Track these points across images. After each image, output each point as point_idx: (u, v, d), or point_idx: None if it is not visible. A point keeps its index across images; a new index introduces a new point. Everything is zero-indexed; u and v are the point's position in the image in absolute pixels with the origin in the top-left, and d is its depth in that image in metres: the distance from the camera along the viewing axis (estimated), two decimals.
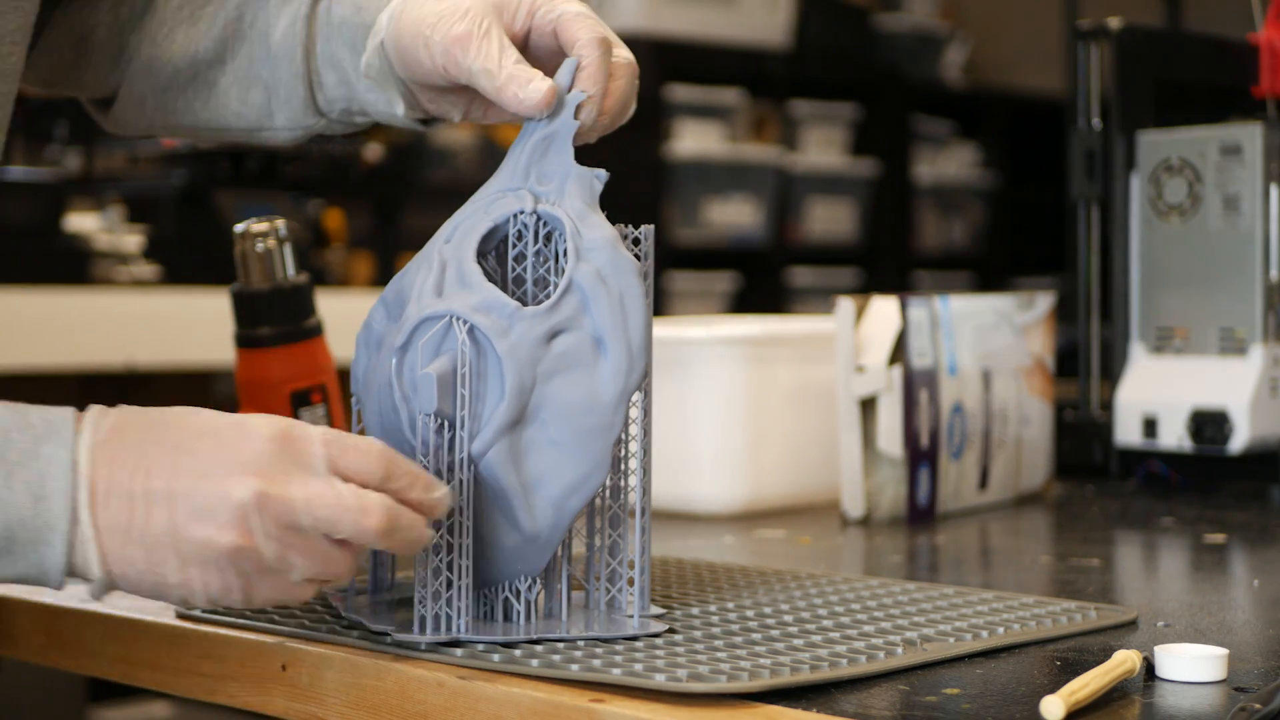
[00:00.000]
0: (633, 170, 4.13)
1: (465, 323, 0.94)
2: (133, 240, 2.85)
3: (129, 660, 1.07)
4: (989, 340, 1.55)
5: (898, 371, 1.47)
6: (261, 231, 1.29)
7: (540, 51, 1.02)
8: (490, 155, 4.21)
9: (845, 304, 1.47)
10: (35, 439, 0.86)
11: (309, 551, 0.87)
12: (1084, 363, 1.77)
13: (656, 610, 1.02)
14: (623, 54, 1.01)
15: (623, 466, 1.00)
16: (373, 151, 3.42)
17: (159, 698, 3.02)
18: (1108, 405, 1.72)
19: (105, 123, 1.21)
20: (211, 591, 0.88)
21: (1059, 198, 2.08)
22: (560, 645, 0.93)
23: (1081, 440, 1.74)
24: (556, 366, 0.94)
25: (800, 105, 4.91)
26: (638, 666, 0.87)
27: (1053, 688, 0.81)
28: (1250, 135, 1.64)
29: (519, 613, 0.97)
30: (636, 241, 1.00)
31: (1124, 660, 0.85)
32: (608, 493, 1.01)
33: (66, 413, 0.88)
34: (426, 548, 0.92)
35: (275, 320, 1.29)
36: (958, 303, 1.53)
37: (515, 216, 0.98)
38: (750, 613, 1.02)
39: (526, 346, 0.94)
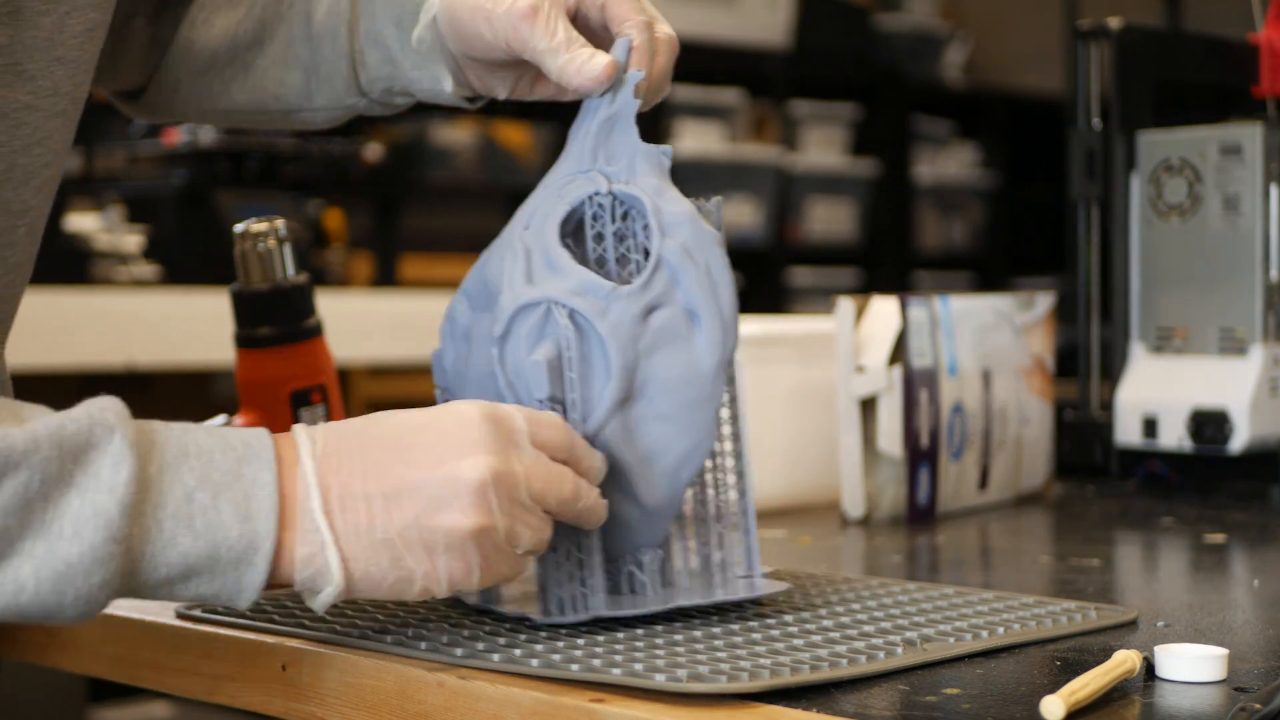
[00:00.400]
0: None
1: (565, 307, 0.96)
2: (133, 240, 2.85)
3: (129, 660, 1.07)
4: (989, 340, 1.55)
5: (898, 371, 1.47)
6: (261, 231, 1.29)
7: (583, 27, 1.04)
8: (491, 155, 4.21)
9: (845, 304, 1.47)
10: (237, 460, 0.87)
11: (531, 524, 0.91)
12: (1084, 363, 1.77)
13: (768, 569, 1.05)
14: (664, 29, 1.04)
15: (731, 432, 1.03)
16: (373, 151, 3.42)
17: (159, 698, 3.02)
18: (1108, 405, 1.72)
19: (133, 110, 1.21)
20: (455, 577, 0.90)
21: (1059, 198, 2.08)
22: (560, 645, 0.93)
23: (1081, 440, 1.74)
24: (656, 342, 0.97)
25: (800, 105, 4.91)
26: (638, 666, 0.87)
27: (1053, 688, 0.81)
28: (1250, 135, 1.64)
29: (644, 584, 1.00)
30: (707, 214, 1.02)
31: (1124, 660, 0.85)
32: (715, 460, 1.03)
33: (262, 433, 0.89)
34: (558, 530, 0.95)
35: (275, 320, 1.29)
36: (958, 303, 1.53)
37: (591, 198, 1.00)
38: (750, 612, 1.02)
39: (626, 325, 0.96)
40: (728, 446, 1.03)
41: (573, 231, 1.00)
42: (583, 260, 1.00)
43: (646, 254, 0.99)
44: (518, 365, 0.97)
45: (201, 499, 0.86)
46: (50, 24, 0.97)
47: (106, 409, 0.86)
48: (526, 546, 0.91)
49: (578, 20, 1.03)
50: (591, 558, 0.97)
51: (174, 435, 0.87)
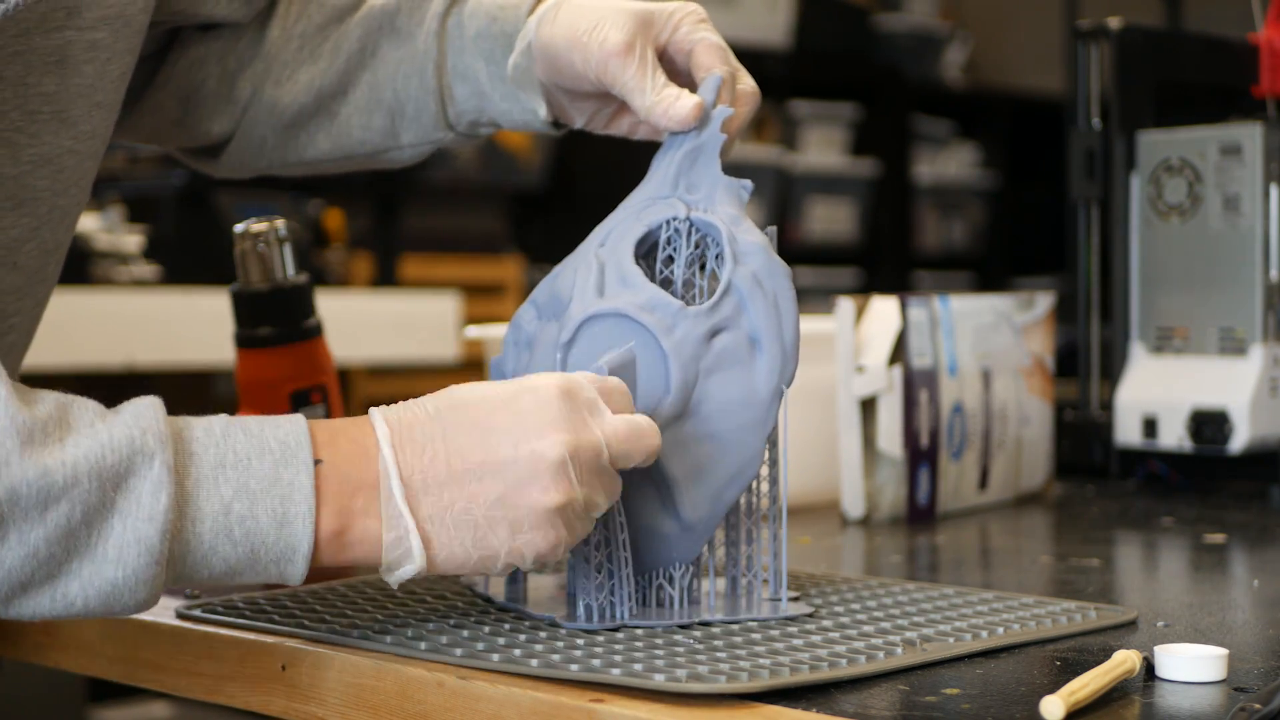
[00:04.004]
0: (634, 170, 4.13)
1: (633, 320, 0.98)
2: (133, 240, 2.85)
3: (129, 660, 1.07)
4: (989, 340, 1.55)
5: (898, 371, 1.47)
6: (261, 231, 1.29)
7: (668, 69, 1.08)
8: (491, 155, 4.21)
9: (845, 304, 1.47)
10: (275, 463, 0.89)
11: (607, 486, 0.93)
12: (1084, 363, 1.77)
13: (793, 594, 1.07)
14: (747, 83, 1.08)
15: (768, 458, 1.04)
16: None
17: (159, 698, 3.01)
18: (1108, 405, 1.72)
19: (212, 169, 1.24)
20: (540, 550, 0.92)
21: (1059, 198, 2.08)
22: (560, 645, 0.93)
23: (1081, 440, 1.74)
24: (717, 364, 0.99)
25: (800, 105, 4.91)
26: (637, 667, 0.87)
27: (1053, 688, 0.81)
28: (1250, 135, 1.64)
29: (672, 598, 1.01)
30: None
31: (1124, 660, 0.85)
32: (751, 484, 1.04)
33: (300, 430, 0.90)
34: (589, 539, 0.97)
35: (275, 320, 1.29)
36: (958, 303, 1.53)
37: (668, 222, 1.03)
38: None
39: (690, 344, 0.99)
40: (764, 471, 1.04)
41: (645, 254, 1.03)
42: (650, 280, 1.02)
43: (712, 282, 1.02)
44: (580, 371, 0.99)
45: (239, 509, 0.88)
46: (93, 71, 1.00)
47: (148, 430, 0.87)
48: (602, 509, 0.93)
49: (663, 61, 1.08)
50: (621, 569, 0.99)
51: (212, 443, 0.89)
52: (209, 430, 0.89)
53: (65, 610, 0.87)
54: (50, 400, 0.87)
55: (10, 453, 0.83)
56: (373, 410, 0.94)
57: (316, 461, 0.90)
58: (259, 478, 0.89)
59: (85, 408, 0.88)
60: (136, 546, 0.86)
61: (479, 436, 0.91)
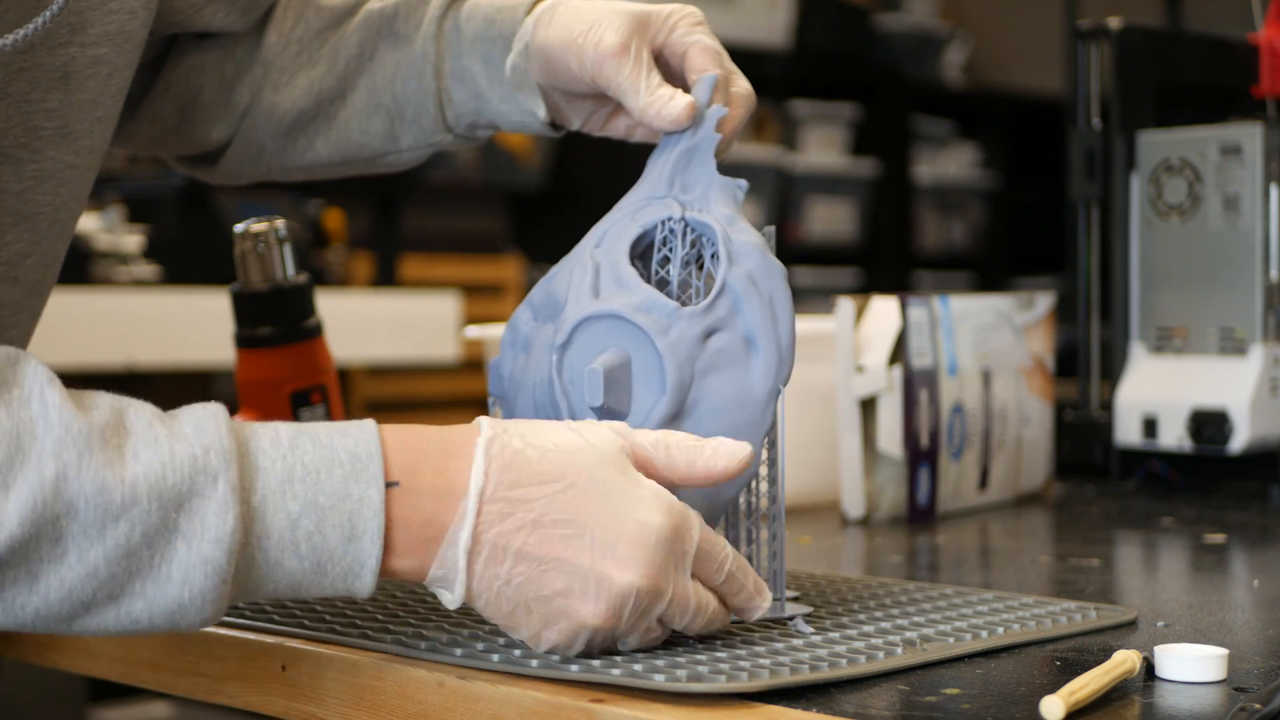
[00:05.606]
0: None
1: (628, 321, 0.98)
2: (133, 240, 2.85)
3: (129, 660, 1.07)
4: (989, 340, 1.55)
5: (898, 371, 1.47)
6: (261, 231, 1.29)
7: (663, 71, 1.08)
8: (491, 155, 4.21)
9: (845, 304, 1.47)
10: (344, 478, 0.87)
11: (643, 631, 0.90)
12: (1084, 363, 1.77)
13: (792, 594, 1.06)
14: (741, 86, 1.08)
15: (765, 458, 1.04)
16: None
17: (159, 698, 3.02)
18: (1108, 405, 1.72)
19: (209, 176, 1.24)
20: (556, 649, 0.90)
21: (1059, 198, 2.08)
22: None
23: (1081, 440, 1.74)
24: (712, 364, 0.99)
25: (800, 105, 4.91)
26: (637, 667, 0.87)
27: (1053, 688, 0.81)
28: (1250, 135, 1.64)
29: None
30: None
31: (1124, 660, 0.85)
32: (750, 484, 1.04)
33: (371, 441, 0.88)
34: None
35: (275, 320, 1.29)
36: (958, 303, 1.53)
37: (663, 223, 1.03)
38: None
39: (685, 344, 0.98)
40: (763, 471, 1.04)
41: (641, 254, 1.03)
42: (646, 281, 1.02)
43: (709, 281, 1.02)
44: (575, 374, 0.99)
45: (306, 525, 0.86)
46: (96, 86, 1.00)
47: (210, 449, 0.85)
48: (631, 647, 0.91)
49: (659, 63, 1.08)
50: None
51: (279, 457, 0.86)
52: (276, 441, 0.87)
53: (131, 628, 0.85)
54: (105, 404, 0.85)
55: (68, 465, 0.82)
56: (483, 429, 0.90)
57: (393, 484, 0.87)
58: (328, 493, 0.86)
59: (142, 411, 0.85)
60: (203, 568, 0.84)
61: (567, 532, 0.88)
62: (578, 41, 1.06)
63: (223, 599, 0.86)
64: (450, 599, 0.89)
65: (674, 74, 1.08)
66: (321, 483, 0.86)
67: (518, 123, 1.14)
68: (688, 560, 0.90)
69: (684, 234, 1.03)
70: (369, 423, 0.89)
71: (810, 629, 0.96)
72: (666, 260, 1.03)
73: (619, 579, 0.87)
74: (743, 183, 1.04)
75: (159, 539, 0.83)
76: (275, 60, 1.19)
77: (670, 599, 0.89)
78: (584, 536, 0.88)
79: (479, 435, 0.89)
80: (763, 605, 0.94)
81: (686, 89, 1.06)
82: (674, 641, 0.94)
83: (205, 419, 0.86)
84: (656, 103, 1.04)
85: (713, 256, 1.02)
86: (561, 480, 0.88)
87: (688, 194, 1.04)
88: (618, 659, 0.89)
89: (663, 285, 1.03)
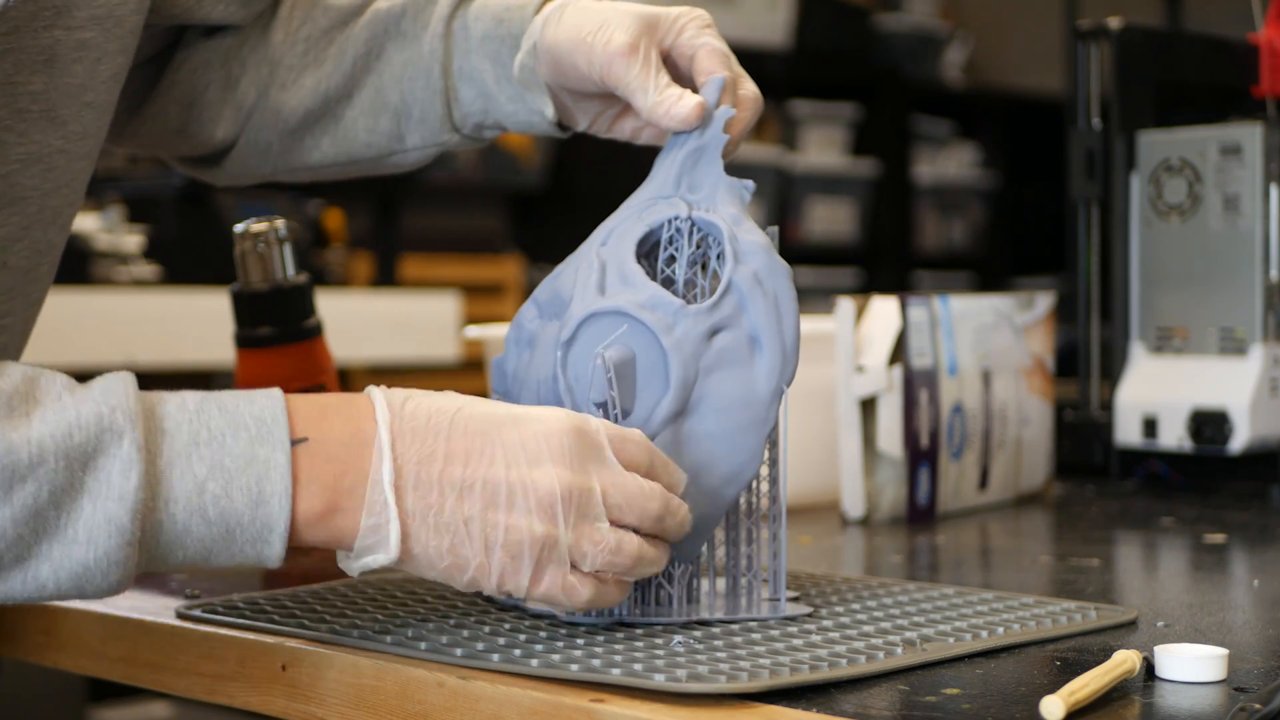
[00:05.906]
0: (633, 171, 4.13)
1: (633, 318, 0.99)
2: (133, 240, 2.85)
3: (129, 660, 1.07)
4: (989, 340, 1.55)
5: (898, 371, 1.47)
6: (261, 231, 1.29)
7: (672, 71, 1.08)
8: (491, 155, 4.21)
9: (845, 304, 1.47)
10: (250, 440, 0.88)
11: (598, 541, 0.91)
12: (1084, 363, 1.77)
13: (792, 594, 1.07)
14: (749, 88, 1.08)
15: (768, 457, 1.04)
16: None
17: (159, 698, 3.01)
18: (1108, 405, 1.72)
19: (213, 177, 1.24)
20: (505, 576, 0.90)
21: (1059, 198, 2.08)
22: (560, 645, 0.93)
23: (1081, 440, 1.74)
24: (717, 362, 0.99)
25: (800, 105, 4.91)
26: (637, 666, 0.87)
27: (1053, 688, 0.81)
28: (1250, 135, 1.64)
29: (671, 597, 1.01)
30: None
31: (1124, 660, 0.85)
32: (751, 484, 1.04)
33: (277, 406, 0.90)
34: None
35: (275, 320, 1.29)
36: (958, 303, 1.53)
37: (670, 221, 1.03)
38: None
39: (690, 342, 0.99)
40: (764, 471, 1.04)
41: (647, 253, 1.04)
42: (652, 279, 1.03)
43: (714, 281, 1.02)
44: (580, 370, 0.99)
45: (213, 488, 0.87)
46: (83, 70, 1.00)
47: (117, 408, 0.86)
48: (594, 565, 0.91)
49: (667, 65, 1.08)
50: None
51: (186, 420, 0.88)
52: (182, 406, 0.88)
53: (37, 593, 0.85)
54: (17, 372, 0.86)
55: None
56: (372, 389, 0.93)
57: (301, 440, 0.89)
58: (234, 455, 0.87)
59: (54, 381, 0.86)
60: (106, 527, 0.84)
61: (478, 446, 0.90)
62: (587, 41, 1.07)
63: (129, 563, 0.86)
64: (385, 555, 0.89)
65: (682, 76, 1.08)
66: (227, 446, 0.87)
67: (525, 122, 1.14)
68: (605, 453, 0.91)
69: (690, 233, 1.03)
70: (275, 390, 0.91)
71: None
72: (672, 259, 1.03)
73: (540, 479, 0.89)
74: (749, 183, 1.05)
75: (65, 498, 0.84)
76: (282, 59, 1.19)
77: (606, 489, 0.90)
78: (494, 450, 0.90)
79: (372, 388, 0.93)
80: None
81: (694, 91, 1.06)
82: (674, 641, 0.94)
83: (114, 381, 0.87)
84: (665, 102, 1.05)
85: (718, 256, 1.02)
86: (452, 406, 0.91)
87: (694, 193, 1.04)
88: (618, 659, 0.89)
89: (668, 284, 1.03)
